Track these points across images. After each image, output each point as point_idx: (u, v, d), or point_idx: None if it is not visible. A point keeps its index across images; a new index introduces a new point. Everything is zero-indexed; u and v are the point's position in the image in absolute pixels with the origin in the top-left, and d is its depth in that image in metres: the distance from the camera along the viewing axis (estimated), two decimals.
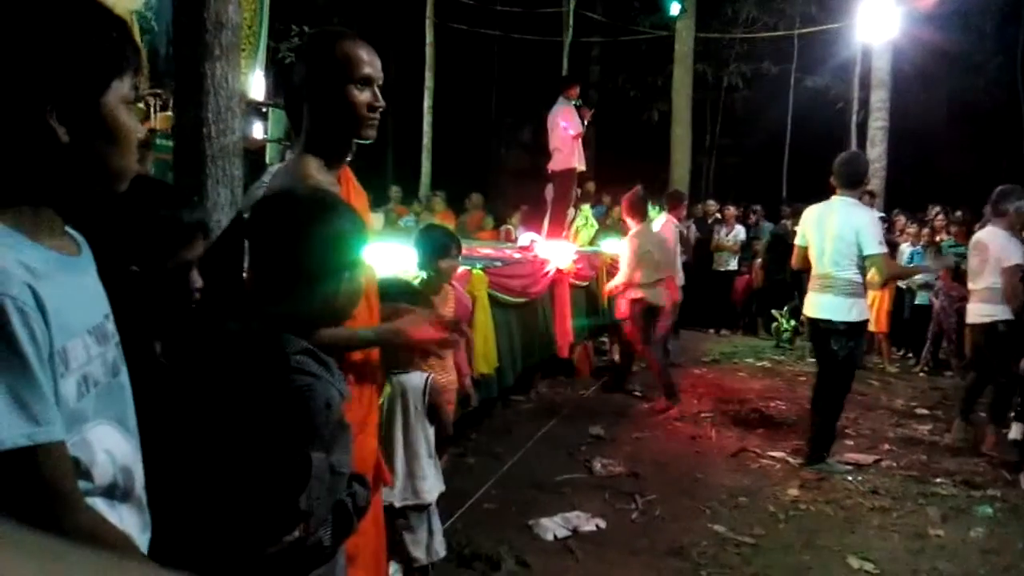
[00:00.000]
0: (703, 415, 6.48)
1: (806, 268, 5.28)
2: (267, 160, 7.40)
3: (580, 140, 8.23)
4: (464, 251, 4.24)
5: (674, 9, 13.22)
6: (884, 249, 5.10)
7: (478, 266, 5.59)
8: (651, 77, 17.40)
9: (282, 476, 1.50)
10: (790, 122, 19.05)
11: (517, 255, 7.35)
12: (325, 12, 15.55)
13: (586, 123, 8.35)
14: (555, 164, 8.34)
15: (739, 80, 18.54)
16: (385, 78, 2.04)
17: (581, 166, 8.39)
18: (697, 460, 5.38)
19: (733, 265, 11.06)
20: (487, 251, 7.54)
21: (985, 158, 17.92)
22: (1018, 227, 5.59)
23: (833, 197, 5.23)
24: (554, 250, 7.25)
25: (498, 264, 6.32)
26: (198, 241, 1.63)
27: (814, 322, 5.18)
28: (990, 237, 5.52)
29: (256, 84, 8.66)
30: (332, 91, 1.96)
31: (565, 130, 8.11)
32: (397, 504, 2.88)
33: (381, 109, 2.02)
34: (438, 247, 3.63)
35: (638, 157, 15.42)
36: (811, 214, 5.29)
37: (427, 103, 13.82)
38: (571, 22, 13.75)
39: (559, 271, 7.03)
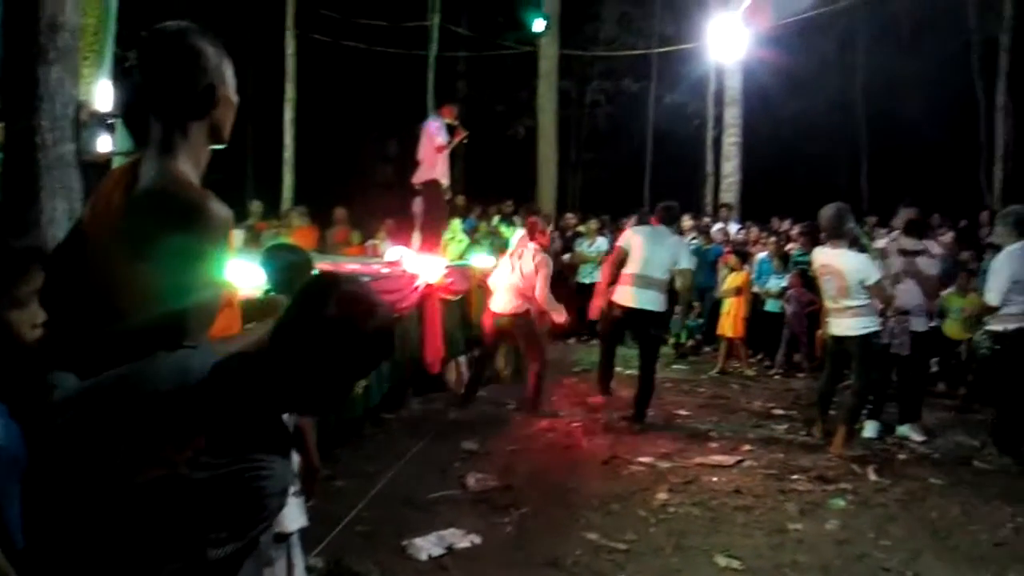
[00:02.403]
0: (575, 424, 6.55)
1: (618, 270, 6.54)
2: None
3: (445, 154, 8.27)
4: (330, 267, 4.09)
5: (538, 26, 13.45)
6: (691, 266, 6.72)
7: None
8: (517, 92, 17.65)
9: None
10: (651, 137, 19.79)
11: (385, 270, 7.21)
12: (178, 19, 14.86)
13: (456, 142, 8.40)
14: (418, 176, 8.45)
15: (602, 96, 19.10)
16: (244, 89, 1.92)
17: (444, 180, 8.42)
18: (570, 469, 5.42)
19: (596, 276, 11.15)
20: (353, 267, 7.36)
21: (827, 172, 19.23)
22: (855, 242, 6.09)
23: (658, 225, 6.68)
24: (424, 264, 7.16)
25: (366, 279, 6.16)
26: (34, 271, 1.45)
27: (637, 311, 6.37)
28: (842, 261, 5.89)
29: (102, 93, 8.13)
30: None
31: (430, 143, 8.15)
32: None
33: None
34: (285, 267, 3.38)
35: (506, 171, 15.58)
36: (642, 233, 6.68)
37: (288, 115, 13.46)
38: (436, 36, 13.74)
39: (429, 286, 6.95)
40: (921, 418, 6.42)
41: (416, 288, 6.74)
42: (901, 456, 5.89)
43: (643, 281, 6.37)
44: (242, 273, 4.09)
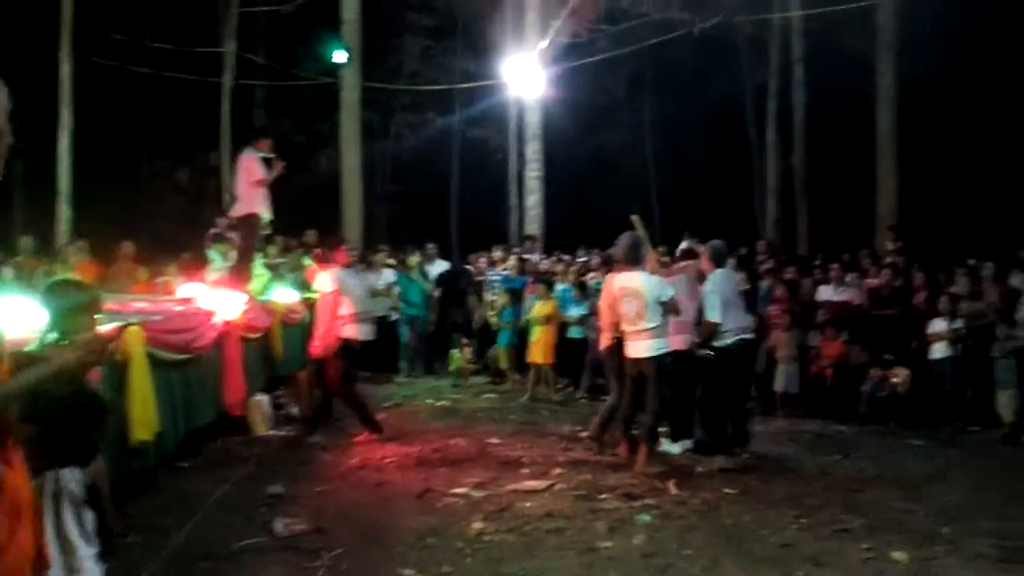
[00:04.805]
0: (387, 460, 6.41)
1: None
2: None
3: (264, 187, 8.01)
4: (116, 306, 3.76)
5: (338, 57, 13.28)
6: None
7: (133, 321, 5.01)
8: (318, 123, 17.30)
9: None
10: (458, 170, 20.10)
11: (178, 307, 6.75)
12: None
13: (275, 175, 8.13)
14: (236, 211, 8.26)
15: (406, 129, 19.14)
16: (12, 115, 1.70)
17: (266, 214, 8.18)
18: (383, 506, 5.28)
19: (388, 311, 10.78)
20: (142, 305, 6.81)
21: (622, 205, 20.30)
22: (651, 268, 6.46)
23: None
24: (221, 301, 6.78)
25: (156, 318, 5.73)
26: None
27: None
28: (639, 282, 6.25)
29: None
30: None
31: (248, 177, 7.97)
32: None
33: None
34: (70, 306, 3.01)
35: (309, 204, 15.19)
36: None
37: (64, 143, 12.34)
38: (232, 64, 13.22)
39: (228, 323, 6.58)
40: (693, 435, 6.82)
41: (213, 326, 6.36)
42: (699, 469, 6.24)
43: None
44: (14, 313, 3.68)
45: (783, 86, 16.73)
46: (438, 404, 9.02)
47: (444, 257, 12.48)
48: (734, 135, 19.61)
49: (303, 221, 11.84)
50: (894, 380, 8.65)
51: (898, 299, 9.52)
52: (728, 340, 6.52)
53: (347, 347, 7.11)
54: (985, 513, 5.27)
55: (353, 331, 7.22)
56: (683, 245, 7.18)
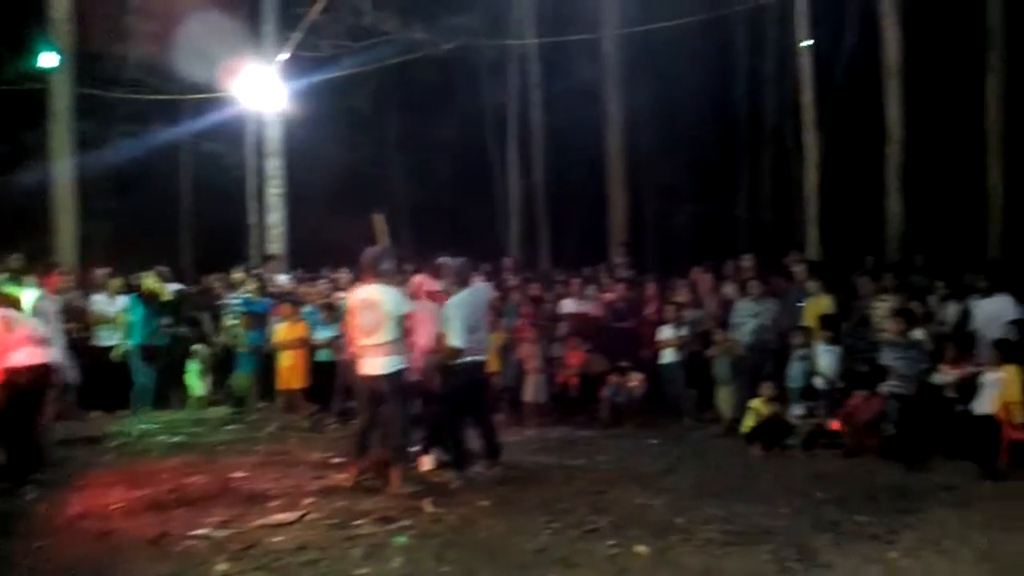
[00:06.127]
0: (114, 506, 5.74)
1: None
2: None
3: None
4: None
5: (47, 60, 11.89)
6: None
7: None
8: (22, 132, 15.30)
9: None
10: (190, 186, 18.92)
11: None
12: None
13: None
14: None
15: (129, 141, 17.51)
16: None
17: None
18: (112, 557, 4.70)
19: (115, 340, 9.82)
20: None
21: (371, 222, 20.07)
22: (396, 280, 6.36)
23: None
24: None
25: None
26: None
27: None
28: (380, 294, 6.10)
29: None
30: None
31: None
32: None
33: None
34: None
35: (14, 221, 13.44)
36: None
37: None
38: None
39: None
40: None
41: None
42: (454, 485, 6.23)
43: None
44: None
45: (523, 108, 17.50)
46: (173, 440, 8.28)
47: (177, 279, 11.51)
48: (478, 154, 20.20)
49: (6, 242, 10.43)
50: (631, 385, 9.28)
51: (632, 310, 10.23)
52: (464, 359, 6.47)
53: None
54: (711, 501, 5.75)
55: (32, 357, 6.41)
56: (441, 263, 7.12)
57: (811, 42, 10.66)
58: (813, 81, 10.79)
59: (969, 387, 7.10)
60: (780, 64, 16.16)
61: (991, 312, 7.82)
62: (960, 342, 7.57)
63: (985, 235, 12.37)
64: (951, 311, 8.35)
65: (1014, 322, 7.52)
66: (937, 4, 14.19)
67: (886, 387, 7.47)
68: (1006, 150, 12.36)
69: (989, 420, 6.77)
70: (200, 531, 5.11)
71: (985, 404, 6.88)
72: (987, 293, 8.02)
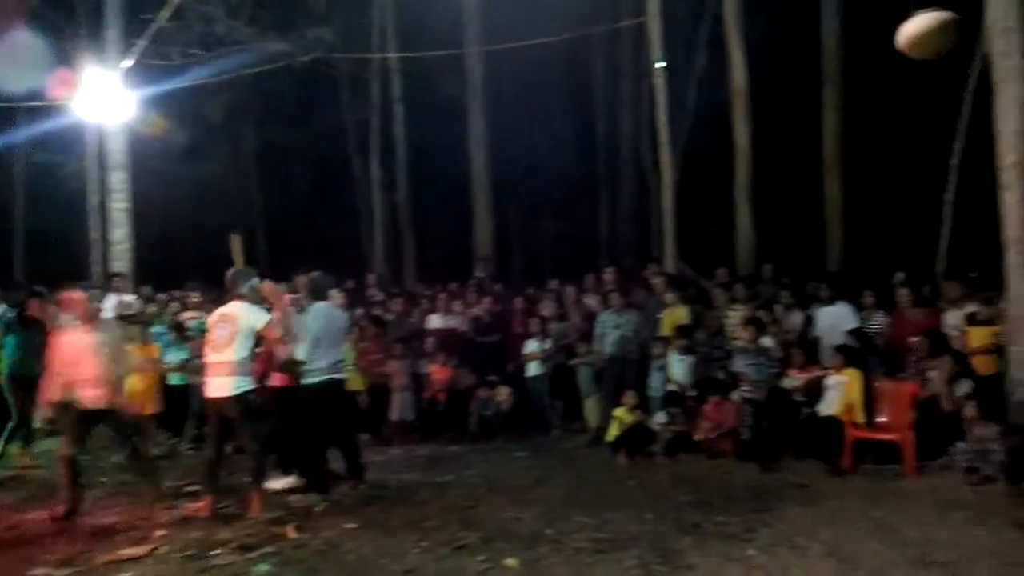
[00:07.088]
0: None
1: None
2: None
3: None
4: None
5: None
6: None
7: None
8: None
9: None
10: (23, 199, 17.78)
11: None
12: None
13: None
14: None
15: None
16: None
17: None
18: None
19: None
20: None
21: (226, 237, 19.28)
22: (257, 300, 6.13)
23: None
24: None
25: None
26: None
27: None
28: (239, 309, 5.92)
29: None
30: None
31: None
32: None
33: None
34: None
35: None
36: None
37: None
38: None
39: None
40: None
41: None
42: (318, 508, 6.01)
43: None
44: None
45: (385, 123, 17.32)
46: (6, 474, 7.60)
47: (6, 301, 10.54)
48: (341, 169, 19.82)
49: None
50: (499, 399, 9.30)
51: (498, 325, 10.27)
52: (318, 378, 6.38)
53: None
54: (580, 510, 5.82)
55: None
56: (302, 280, 6.94)
57: (664, 64, 11.05)
58: (667, 102, 11.21)
59: (815, 390, 7.55)
60: (636, 85, 16.71)
61: (832, 319, 8.36)
62: (806, 348, 8.06)
63: (824, 246, 13.23)
64: (796, 319, 8.87)
65: (853, 330, 8.07)
66: (780, 27, 15.12)
67: (739, 393, 7.84)
68: (844, 163, 13.25)
69: (833, 421, 7.21)
70: (38, 571, 4.72)
71: (830, 406, 7.33)
72: (828, 302, 8.56)
